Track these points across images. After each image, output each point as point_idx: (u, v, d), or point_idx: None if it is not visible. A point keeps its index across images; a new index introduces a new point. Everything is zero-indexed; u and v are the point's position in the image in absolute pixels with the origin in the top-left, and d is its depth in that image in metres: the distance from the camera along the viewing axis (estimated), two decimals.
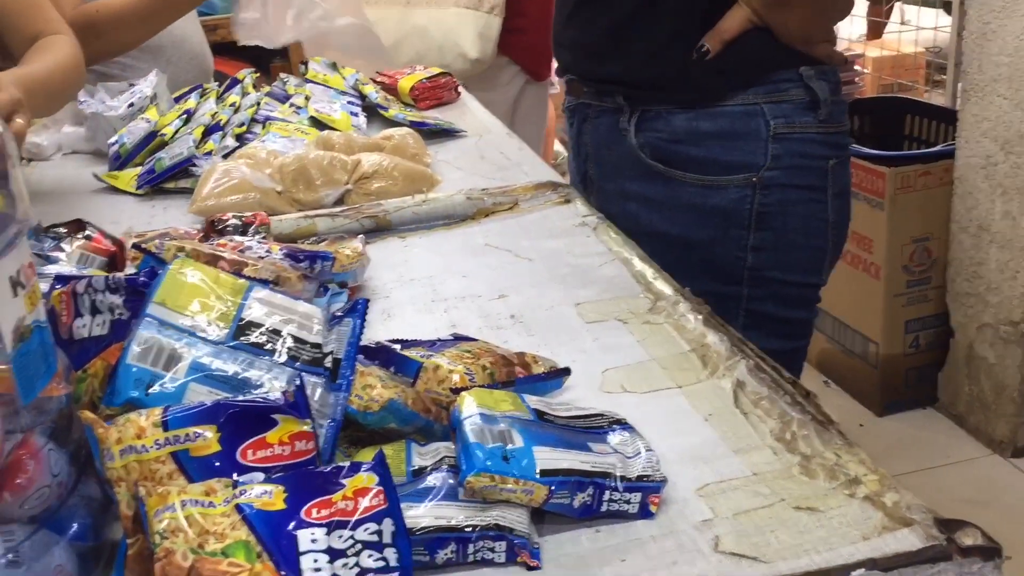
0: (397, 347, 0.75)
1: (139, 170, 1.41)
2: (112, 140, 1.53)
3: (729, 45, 1.05)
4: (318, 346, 0.65)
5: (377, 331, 0.91)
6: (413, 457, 0.64)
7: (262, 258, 0.81)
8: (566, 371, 0.77)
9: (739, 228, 1.11)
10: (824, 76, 1.11)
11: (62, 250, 0.99)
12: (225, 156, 1.38)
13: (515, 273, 1.03)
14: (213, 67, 2.05)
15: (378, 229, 1.18)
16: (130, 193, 1.37)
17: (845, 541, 0.57)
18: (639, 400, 0.76)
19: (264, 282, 0.69)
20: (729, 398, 0.75)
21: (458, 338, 0.80)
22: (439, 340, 0.79)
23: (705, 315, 0.87)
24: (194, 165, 1.34)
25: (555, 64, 1.39)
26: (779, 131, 1.09)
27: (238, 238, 0.87)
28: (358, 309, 0.68)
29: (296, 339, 0.65)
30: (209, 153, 1.39)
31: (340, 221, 1.17)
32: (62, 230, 1.02)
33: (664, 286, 0.94)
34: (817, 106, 1.10)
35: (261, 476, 0.58)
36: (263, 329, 0.65)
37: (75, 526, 0.58)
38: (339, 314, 0.69)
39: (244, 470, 0.58)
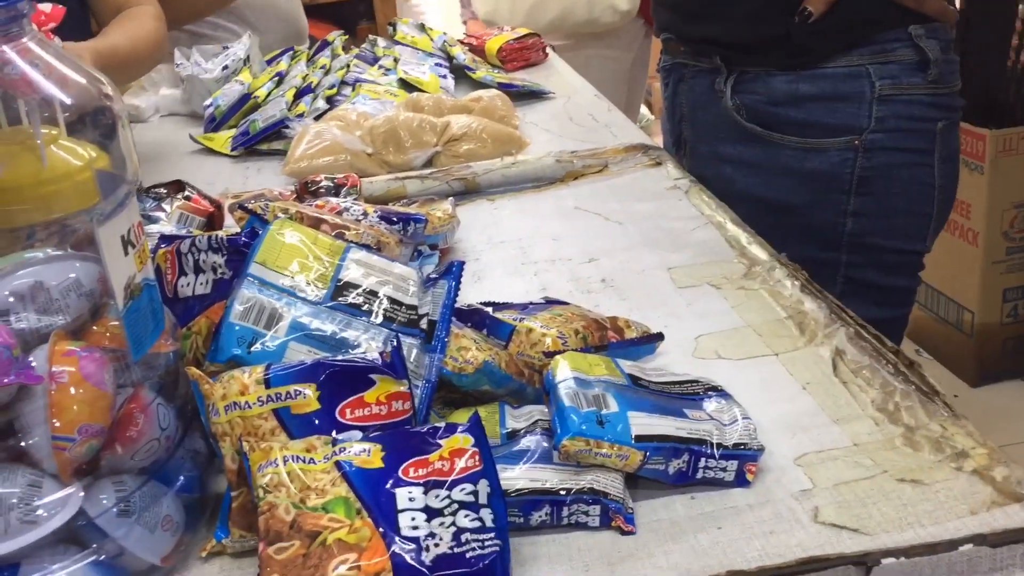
0: (489, 310, 0.76)
1: (233, 132, 1.43)
2: (207, 102, 1.56)
3: (833, 5, 1.01)
4: (413, 307, 0.66)
5: (468, 293, 0.91)
6: (507, 419, 0.64)
7: (359, 220, 0.82)
8: (659, 336, 0.77)
9: (839, 192, 1.07)
10: (935, 34, 1.06)
11: (163, 210, 1.02)
12: (316, 118, 1.40)
13: (606, 236, 1.02)
14: (307, 29, 2.07)
15: (467, 191, 1.18)
16: (225, 154, 1.40)
17: (952, 515, 0.55)
18: (734, 367, 0.75)
19: (363, 245, 0.70)
20: (828, 366, 0.73)
21: (550, 302, 0.80)
22: (531, 303, 0.79)
23: (802, 281, 0.85)
24: (286, 127, 1.36)
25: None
26: (885, 92, 1.04)
27: (333, 200, 0.88)
28: (453, 271, 0.68)
29: (392, 300, 0.66)
30: (301, 115, 1.41)
31: (429, 183, 1.17)
32: (162, 190, 1.05)
33: (759, 251, 0.93)
34: (927, 66, 1.05)
35: (359, 434, 0.59)
36: (360, 290, 0.66)
37: (182, 478, 0.59)
38: (434, 276, 0.69)
39: (342, 428, 0.59)
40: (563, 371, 0.64)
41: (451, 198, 1.04)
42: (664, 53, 1.24)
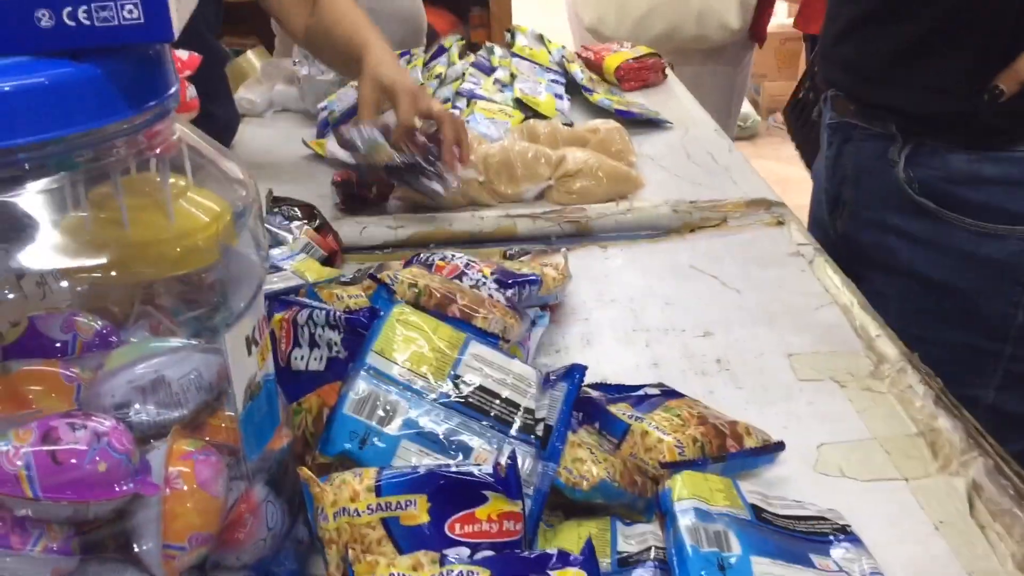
0: (602, 398, 0.73)
1: None
2: (322, 105, 1.55)
3: None
4: (530, 411, 0.63)
5: (575, 358, 0.88)
6: (619, 540, 0.61)
7: (477, 286, 0.79)
8: (780, 446, 0.73)
9: (1014, 283, 1.00)
10: None
11: (290, 232, 1.01)
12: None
13: (721, 305, 0.97)
14: (426, 25, 2.05)
15: (578, 234, 1.15)
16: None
17: None
18: (860, 489, 0.70)
19: (490, 337, 0.68)
20: (963, 503, 0.68)
21: (665, 393, 0.76)
22: (646, 394, 0.75)
23: (936, 391, 0.80)
24: None
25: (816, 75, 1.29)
26: None
27: (453, 258, 0.85)
28: (574, 376, 0.65)
29: (509, 402, 0.63)
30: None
31: (541, 224, 1.14)
32: (295, 210, 1.04)
33: (888, 346, 0.87)
34: None
35: (467, 551, 0.56)
36: (476, 387, 0.63)
37: (283, 572, 0.58)
38: (553, 377, 0.66)
39: (451, 543, 0.57)
40: (682, 496, 0.60)
41: (564, 250, 1.01)
42: (831, 110, 1.17)
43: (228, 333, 0.52)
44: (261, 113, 1.68)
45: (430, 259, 0.84)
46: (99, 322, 0.59)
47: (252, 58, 1.97)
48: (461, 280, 0.80)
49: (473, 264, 0.85)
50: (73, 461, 0.47)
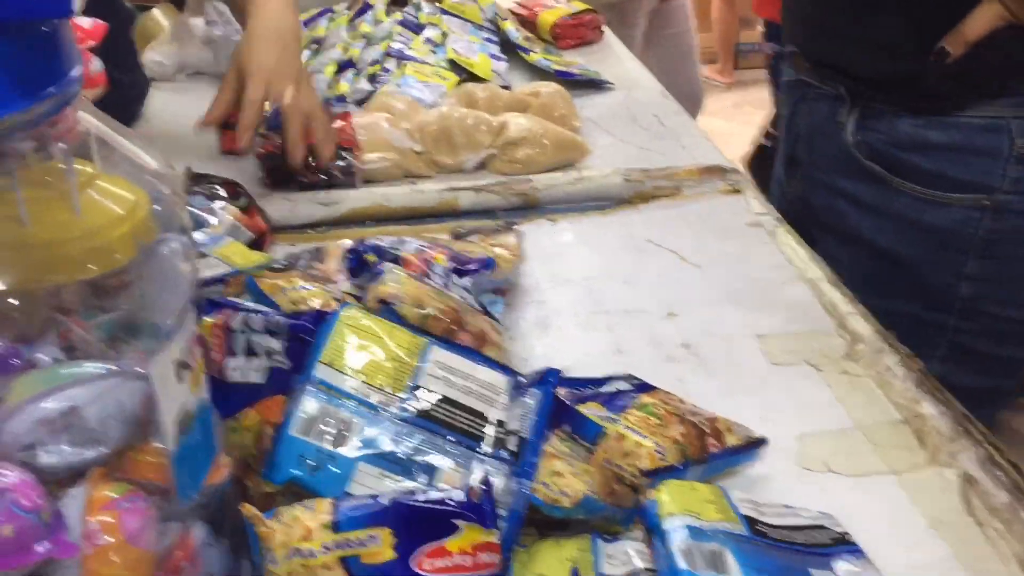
0: (569, 396, 0.67)
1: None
2: None
3: (975, 48, 0.89)
4: (502, 423, 0.57)
5: (533, 345, 0.82)
6: (603, 562, 0.56)
7: (447, 286, 0.72)
8: (762, 442, 0.68)
9: (958, 252, 0.97)
10: None
11: (213, 213, 0.92)
12: (359, 102, 1.29)
13: (683, 283, 0.92)
14: None
15: (525, 207, 1.08)
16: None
17: None
18: (849, 487, 0.66)
19: (446, 343, 0.60)
20: (957, 497, 0.64)
21: (637, 387, 0.71)
22: (617, 390, 0.69)
23: (917, 372, 0.76)
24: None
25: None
26: None
27: (404, 244, 0.78)
28: (548, 381, 0.59)
29: (476, 414, 0.57)
30: (342, 97, 1.29)
31: (485, 196, 1.07)
32: (217, 188, 0.95)
33: (862, 324, 0.83)
34: None
35: None
36: (440, 398, 0.56)
37: None
38: (524, 382, 0.60)
39: None
40: (671, 511, 0.55)
41: (517, 229, 0.94)
42: (790, 67, 1.12)
43: (154, 360, 0.44)
44: (172, 77, 1.56)
45: (393, 249, 0.76)
46: None
47: (159, 16, 1.83)
48: (429, 278, 0.73)
49: (425, 249, 0.77)
50: None
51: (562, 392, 0.68)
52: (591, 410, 0.65)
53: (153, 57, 1.55)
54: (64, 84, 0.43)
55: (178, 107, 1.43)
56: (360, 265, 0.81)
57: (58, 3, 0.37)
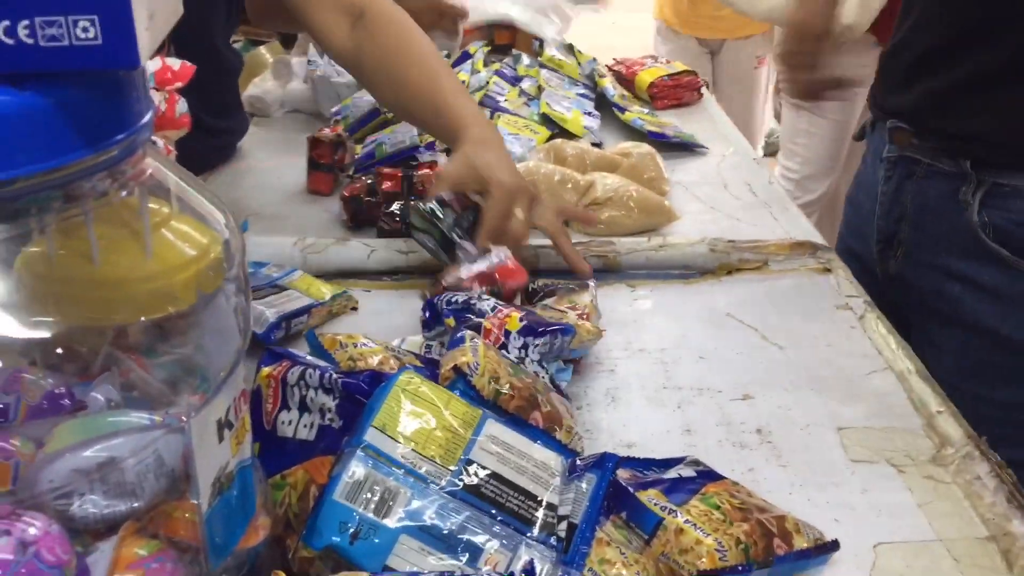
0: (632, 479, 0.63)
1: (358, 150, 1.33)
2: (335, 109, 1.46)
3: None
4: (552, 507, 0.54)
5: (600, 417, 0.80)
6: None
7: (522, 360, 0.70)
8: (834, 546, 0.63)
9: None
10: None
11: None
12: (448, 151, 1.29)
13: (762, 364, 0.88)
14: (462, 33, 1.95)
15: (605, 270, 1.05)
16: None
17: None
18: None
19: (504, 416, 0.58)
20: None
21: (702, 474, 0.67)
22: (680, 476, 0.66)
23: (1010, 486, 0.70)
24: (415, 158, 1.25)
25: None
26: None
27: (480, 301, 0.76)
28: (606, 466, 0.56)
29: (527, 494, 0.54)
30: (432, 144, 1.29)
31: None
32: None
33: (951, 425, 0.78)
34: None
35: None
36: (490, 474, 0.54)
37: None
38: (581, 465, 0.57)
39: None
40: None
41: (593, 284, 0.91)
42: (889, 142, 1.07)
43: (194, 419, 0.43)
44: (271, 113, 1.59)
45: (468, 306, 0.75)
46: (49, 381, 0.50)
47: (266, 53, 1.88)
48: (507, 350, 0.71)
49: (500, 309, 0.75)
50: None
51: (623, 475, 0.65)
52: (651, 498, 0.62)
53: (254, 92, 1.59)
54: (132, 132, 0.42)
55: (272, 145, 1.45)
56: (433, 318, 0.79)
57: (125, 55, 0.36)
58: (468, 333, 0.69)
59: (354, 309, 0.96)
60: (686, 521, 0.60)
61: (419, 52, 1.04)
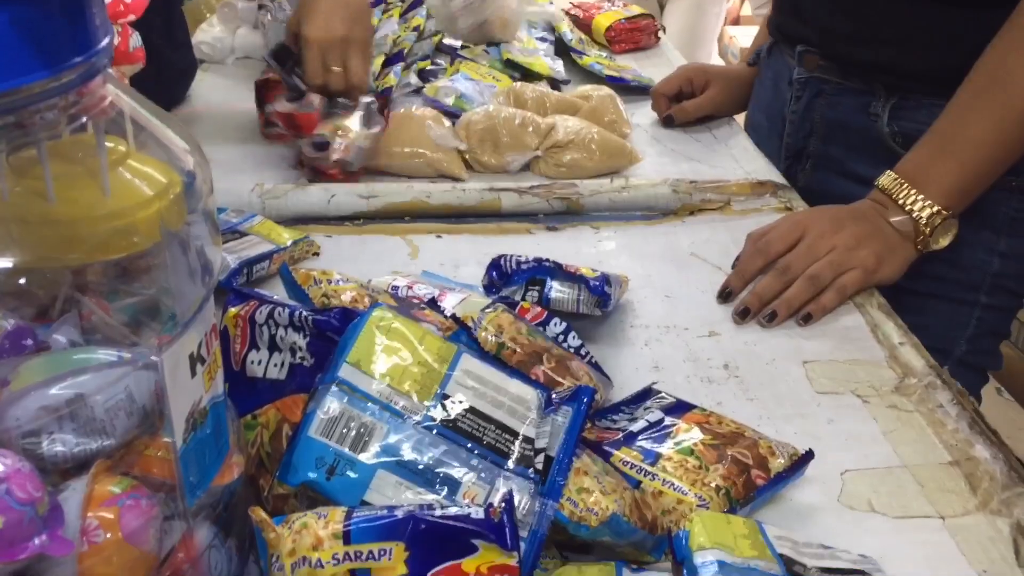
0: (604, 434, 0.63)
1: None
2: None
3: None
4: (529, 440, 0.54)
5: None
6: None
7: (558, 340, 0.72)
8: (809, 456, 0.64)
9: (991, 232, 0.96)
10: None
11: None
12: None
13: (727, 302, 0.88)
14: None
15: (568, 212, 1.05)
16: None
17: None
18: (891, 528, 0.62)
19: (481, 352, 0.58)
20: (1008, 547, 0.60)
21: (669, 411, 0.67)
22: (647, 421, 0.65)
23: (971, 412, 0.72)
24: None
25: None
26: None
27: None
28: (580, 398, 0.56)
29: (504, 428, 0.54)
30: (389, 88, 1.27)
31: (528, 199, 1.04)
32: None
33: (913, 356, 0.79)
34: None
35: None
36: (467, 409, 0.54)
37: None
38: (556, 399, 0.57)
39: None
40: (702, 544, 0.52)
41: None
42: (799, 65, 1.09)
43: (166, 352, 0.42)
44: (222, 60, 1.55)
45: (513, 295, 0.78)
46: (10, 320, 0.48)
47: None
48: (544, 329, 0.71)
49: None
50: None
51: (594, 432, 0.64)
52: (625, 459, 0.61)
53: (203, 39, 1.55)
54: (90, 55, 0.40)
55: (224, 91, 1.42)
56: (501, 277, 0.80)
57: None
58: (500, 304, 0.69)
59: (316, 254, 0.94)
60: (664, 482, 0.60)
61: None
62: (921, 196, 0.88)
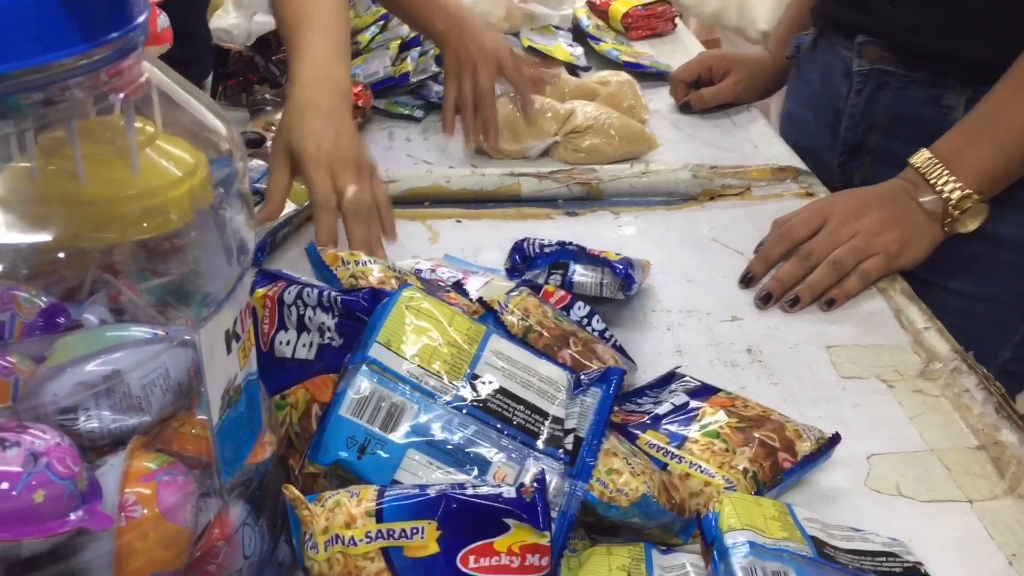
0: (630, 417, 0.63)
1: None
2: None
3: None
4: (559, 421, 0.54)
5: None
6: (655, 573, 0.53)
7: (582, 324, 0.73)
8: (836, 439, 0.64)
9: None
10: None
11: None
12: (423, 81, 1.27)
13: (749, 287, 0.88)
14: None
15: (588, 198, 1.05)
16: None
17: None
18: (920, 512, 0.62)
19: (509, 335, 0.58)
20: None
21: (698, 392, 0.67)
22: (674, 405, 0.65)
23: (997, 397, 0.71)
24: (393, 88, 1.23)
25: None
26: None
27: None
28: (610, 379, 0.56)
29: (534, 409, 0.54)
30: (406, 75, 1.27)
31: (547, 184, 1.04)
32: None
33: (938, 341, 0.79)
34: None
35: None
36: (497, 389, 0.54)
37: None
38: (585, 380, 0.57)
39: None
40: (733, 525, 0.52)
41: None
42: (858, 56, 1.06)
43: (203, 328, 0.42)
44: (239, 44, 1.54)
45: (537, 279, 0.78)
46: (44, 298, 0.49)
47: None
48: (568, 313, 0.71)
49: None
50: (2, 488, 0.37)
51: (620, 416, 0.64)
52: (652, 442, 0.61)
53: (220, 25, 1.54)
54: (128, 31, 0.40)
55: None
56: (524, 260, 0.80)
57: None
58: (524, 288, 0.69)
59: None
60: (691, 464, 0.59)
61: None
62: (953, 178, 0.87)
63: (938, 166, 0.88)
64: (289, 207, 0.92)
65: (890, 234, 0.87)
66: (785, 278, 0.86)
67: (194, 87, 0.48)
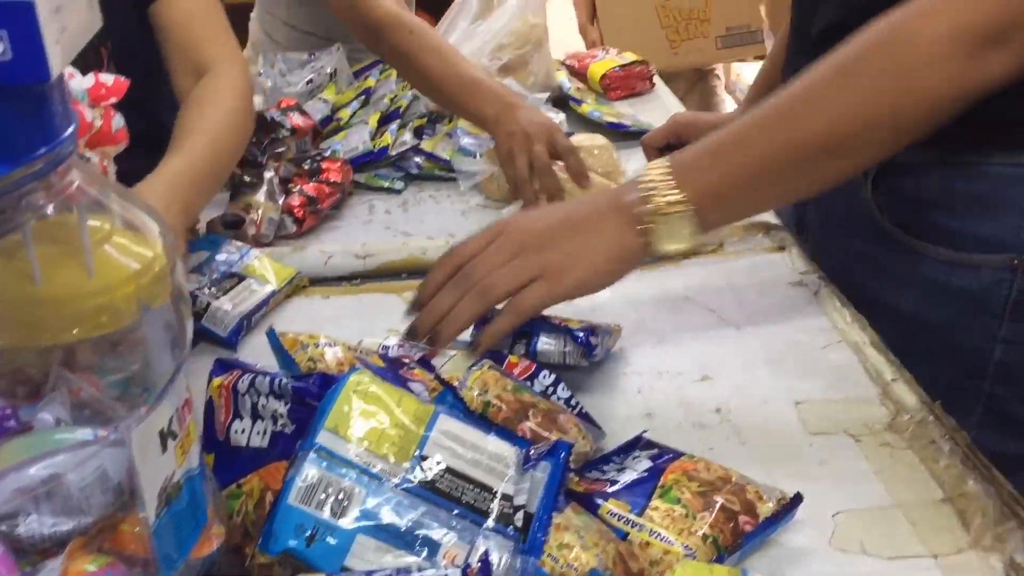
0: (592, 486, 0.64)
1: None
2: None
3: (1001, 95, 0.81)
4: (508, 498, 0.54)
5: None
6: None
7: (546, 393, 0.73)
8: (797, 500, 0.64)
9: (990, 316, 0.91)
10: None
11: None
12: (402, 154, 1.29)
13: (721, 344, 0.89)
14: None
15: None
16: None
17: None
18: (883, 570, 0.62)
19: (458, 413, 0.59)
20: None
21: (656, 458, 0.67)
22: (636, 476, 0.65)
23: (964, 447, 0.71)
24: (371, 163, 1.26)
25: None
26: None
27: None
28: (558, 453, 0.56)
29: (483, 487, 0.54)
30: (384, 148, 1.30)
31: None
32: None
33: (906, 392, 0.79)
34: None
35: None
36: (445, 469, 0.54)
37: None
38: (534, 455, 0.57)
39: None
40: None
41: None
42: None
43: (135, 429, 0.43)
44: None
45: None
46: None
47: None
48: (533, 382, 0.72)
49: None
50: None
51: (583, 485, 0.65)
52: (613, 511, 0.61)
53: None
54: (54, 146, 0.42)
55: None
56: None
57: (36, 69, 0.36)
58: (486, 361, 0.70)
59: (305, 287, 1.01)
60: (651, 532, 0.60)
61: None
62: (673, 182, 0.78)
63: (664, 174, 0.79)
64: (265, 289, 0.95)
65: (559, 250, 0.77)
66: (432, 309, 0.76)
67: (125, 188, 0.50)
